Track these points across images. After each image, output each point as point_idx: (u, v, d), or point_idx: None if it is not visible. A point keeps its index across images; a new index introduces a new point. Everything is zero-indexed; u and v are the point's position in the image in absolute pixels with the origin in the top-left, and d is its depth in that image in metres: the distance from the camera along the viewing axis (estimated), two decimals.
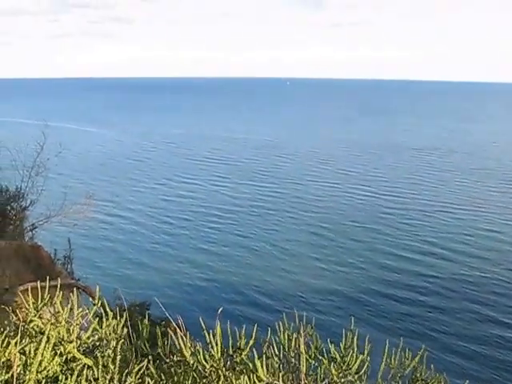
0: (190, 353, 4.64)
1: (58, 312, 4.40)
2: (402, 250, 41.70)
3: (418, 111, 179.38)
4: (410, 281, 35.77)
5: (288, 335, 4.88)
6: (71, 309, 4.62)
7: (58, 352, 4.11)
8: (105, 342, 4.52)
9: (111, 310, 4.86)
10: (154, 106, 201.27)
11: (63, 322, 4.32)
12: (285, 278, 36.29)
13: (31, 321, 4.38)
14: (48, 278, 12.86)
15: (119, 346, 4.27)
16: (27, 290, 11.31)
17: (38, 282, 12.06)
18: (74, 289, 12.94)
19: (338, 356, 4.81)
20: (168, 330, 5.56)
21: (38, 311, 4.44)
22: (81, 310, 4.70)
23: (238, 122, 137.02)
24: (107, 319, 4.57)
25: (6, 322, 4.68)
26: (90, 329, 4.48)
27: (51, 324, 4.25)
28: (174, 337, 4.81)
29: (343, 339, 4.88)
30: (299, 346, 4.74)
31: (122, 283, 32.79)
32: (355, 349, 4.83)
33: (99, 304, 4.80)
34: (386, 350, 5.10)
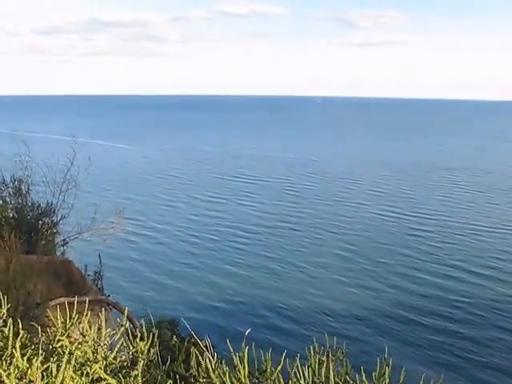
0: (216, 375, 4.58)
1: (86, 331, 4.37)
2: (432, 273, 40.69)
3: (450, 130, 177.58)
4: (442, 307, 34.72)
5: (318, 359, 4.77)
6: (99, 328, 4.59)
7: (85, 372, 4.08)
8: (132, 362, 4.47)
9: (136, 332, 4.83)
10: (186, 123, 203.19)
11: (90, 342, 4.29)
12: (312, 300, 35.84)
13: (58, 340, 4.36)
14: (79, 293, 12.93)
15: (145, 367, 4.23)
16: (58, 305, 11.39)
17: (70, 298, 12.13)
18: (104, 306, 12.97)
19: None
20: (195, 349, 5.52)
21: (66, 330, 4.42)
22: (109, 329, 4.66)
23: (267, 140, 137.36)
24: (135, 339, 4.53)
25: (35, 339, 4.67)
26: (116, 349, 4.44)
27: (78, 343, 4.22)
28: (200, 357, 4.76)
29: (377, 367, 4.72)
30: (329, 372, 4.63)
31: (149, 300, 32.92)
32: (387, 380, 4.66)
33: (127, 324, 4.76)
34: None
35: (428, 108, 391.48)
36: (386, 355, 4.78)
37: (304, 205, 63.82)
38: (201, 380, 4.80)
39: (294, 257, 44.44)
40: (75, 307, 5.13)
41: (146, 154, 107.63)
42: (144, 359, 4.42)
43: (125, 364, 4.37)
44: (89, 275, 13.96)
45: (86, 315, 4.78)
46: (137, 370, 4.33)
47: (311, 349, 4.84)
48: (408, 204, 64.05)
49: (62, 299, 11.33)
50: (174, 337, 13.12)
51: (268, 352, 4.72)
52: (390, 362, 4.77)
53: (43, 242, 13.49)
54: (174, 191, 71.15)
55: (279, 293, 36.96)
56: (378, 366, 4.76)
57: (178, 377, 4.80)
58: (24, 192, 13.68)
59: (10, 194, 13.74)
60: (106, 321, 12.11)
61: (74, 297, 11.88)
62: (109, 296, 13.79)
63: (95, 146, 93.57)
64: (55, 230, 14.18)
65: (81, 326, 4.66)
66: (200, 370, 4.92)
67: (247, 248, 46.44)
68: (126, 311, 5.25)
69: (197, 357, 4.88)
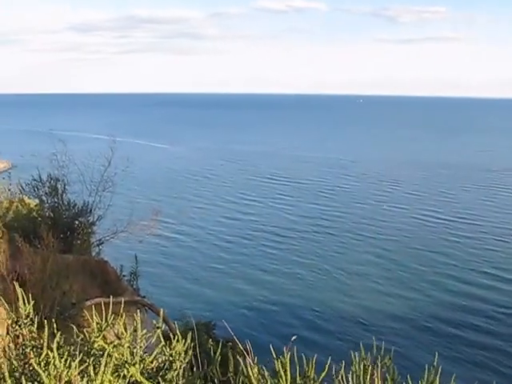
0: (256, 378, 4.53)
1: (122, 333, 4.37)
2: (474, 283, 39.51)
3: (496, 129, 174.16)
4: (484, 319, 33.67)
5: (364, 366, 4.68)
6: (135, 330, 4.58)
7: (121, 374, 4.08)
8: (169, 365, 4.46)
9: (174, 334, 4.80)
10: (223, 122, 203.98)
11: (126, 344, 4.29)
12: (347, 309, 35.38)
13: (94, 341, 4.37)
14: (114, 294, 13.03)
15: (182, 370, 4.20)
16: (94, 305, 11.50)
17: (105, 298, 12.25)
18: (139, 307, 13.05)
19: None
20: (233, 352, 5.47)
21: (101, 331, 4.42)
22: (145, 331, 4.65)
23: (306, 140, 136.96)
24: (171, 342, 4.51)
25: (72, 340, 4.69)
26: (155, 351, 4.43)
27: (114, 346, 4.22)
28: (241, 361, 4.71)
29: (425, 375, 4.60)
30: (375, 378, 4.53)
31: (185, 302, 33.15)
32: None
33: (163, 327, 4.74)
34: None
35: (473, 107, 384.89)
36: (435, 362, 4.66)
37: (340, 208, 63.34)
38: None
39: (329, 262, 44.05)
40: (111, 308, 5.14)
41: (181, 154, 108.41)
42: (181, 362, 4.40)
43: (161, 367, 4.35)
44: (124, 276, 14.08)
45: (122, 316, 4.78)
46: (173, 373, 4.31)
47: (356, 355, 4.75)
48: (450, 208, 62.84)
49: (97, 299, 11.45)
50: (210, 340, 13.14)
51: (310, 356, 4.64)
52: (440, 370, 4.64)
53: (79, 241, 13.66)
54: (208, 192, 71.48)
55: (313, 300, 36.66)
56: (426, 374, 4.64)
57: (215, 381, 4.76)
58: (60, 191, 13.87)
59: (46, 193, 13.95)
60: (141, 322, 12.16)
61: (109, 297, 12.00)
62: (144, 297, 13.87)
63: (130, 145, 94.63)
64: (91, 230, 14.35)
65: (116, 327, 4.66)
66: (239, 374, 4.88)
67: (280, 253, 46.28)
68: (161, 312, 5.24)
69: (235, 360, 4.84)
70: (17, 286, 5.12)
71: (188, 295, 36.41)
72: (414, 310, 34.96)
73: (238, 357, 4.88)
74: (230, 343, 13.59)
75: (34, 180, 14.04)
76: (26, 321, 4.63)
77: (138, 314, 5.22)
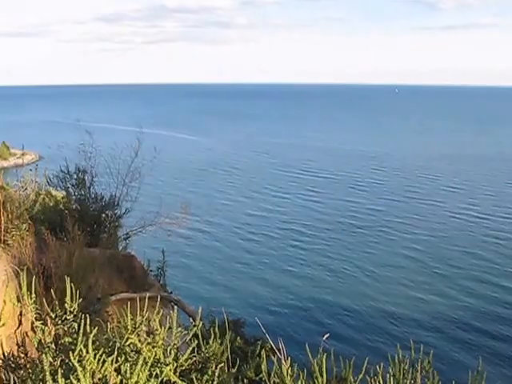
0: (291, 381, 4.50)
1: (156, 330, 4.39)
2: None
3: None
4: None
5: (403, 368, 4.62)
6: (170, 327, 4.60)
7: (154, 373, 4.09)
8: (204, 365, 4.46)
9: (203, 331, 4.81)
10: (252, 113, 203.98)
11: (160, 342, 4.30)
12: (378, 306, 35.27)
13: (128, 338, 4.39)
14: (140, 289, 13.10)
15: (215, 370, 4.20)
16: (119, 300, 11.60)
17: (131, 293, 12.33)
18: (166, 303, 13.12)
19: None
20: (266, 351, 5.46)
21: (135, 329, 4.45)
22: (180, 329, 4.66)
23: (337, 132, 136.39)
24: (201, 340, 4.51)
25: (104, 337, 4.72)
26: (188, 351, 4.43)
27: (148, 344, 4.24)
28: (274, 360, 4.69)
29: (469, 380, 4.53)
30: (415, 382, 4.47)
31: (212, 298, 33.30)
32: None
33: (200, 325, 4.75)
34: None
35: None
36: (479, 367, 4.59)
37: (373, 202, 62.99)
38: None
39: (359, 260, 43.89)
40: (142, 307, 5.17)
41: (209, 146, 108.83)
42: (216, 362, 4.40)
43: (193, 367, 4.35)
44: (151, 271, 14.15)
45: (158, 313, 4.80)
46: (209, 373, 4.31)
47: (395, 358, 4.70)
48: (490, 205, 61.82)
49: (123, 294, 11.55)
50: (238, 338, 13.15)
51: (349, 360, 4.60)
52: (484, 375, 4.57)
53: (105, 235, 13.75)
54: (237, 186, 71.63)
55: (343, 298, 36.56)
56: (470, 379, 4.57)
57: (246, 381, 4.76)
58: (88, 183, 13.99)
59: (73, 185, 14.07)
60: (167, 318, 12.23)
61: (135, 292, 12.09)
62: (171, 293, 13.93)
63: (158, 137, 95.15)
64: (118, 224, 14.42)
65: (150, 324, 4.67)
66: (273, 374, 4.85)
67: (309, 249, 46.21)
68: (199, 311, 5.24)
69: (269, 360, 4.81)
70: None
71: (215, 291, 36.58)
72: (447, 314, 34.53)
73: (271, 355, 4.86)
74: (259, 341, 13.59)
75: (62, 171, 14.17)
76: (69, 317, 4.70)
77: (175, 310, 5.24)
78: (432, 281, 39.50)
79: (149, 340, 4.36)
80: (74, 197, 14.10)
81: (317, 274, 40.71)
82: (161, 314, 5.21)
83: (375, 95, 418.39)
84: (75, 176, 13.99)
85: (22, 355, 5.19)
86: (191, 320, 12.53)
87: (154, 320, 4.70)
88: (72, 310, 5.62)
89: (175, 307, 14.26)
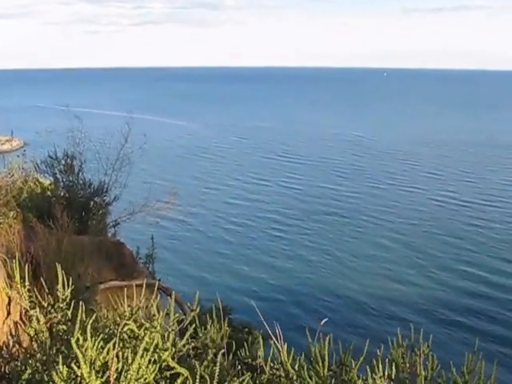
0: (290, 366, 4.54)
1: (154, 315, 4.41)
2: (494, 271, 39.18)
3: None
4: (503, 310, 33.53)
5: (402, 353, 4.69)
6: (167, 313, 4.62)
7: (152, 359, 4.11)
8: (201, 350, 4.50)
9: (201, 318, 4.84)
10: (240, 96, 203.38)
11: (158, 327, 4.33)
12: (360, 288, 35.30)
13: (125, 324, 4.41)
14: (130, 277, 13.10)
15: (213, 356, 4.24)
16: (109, 288, 11.58)
17: (120, 281, 12.32)
18: (154, 290, 13.12)
19: (459, 381, 4.56)
20: (263, 336, 5.49)
21: (132, 315, 4.47)
22: (177, 315, 4.70)
23: (323, 116, 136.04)
24: (203, 326, 4.56)
25: (101, 323, 4.73)
26: (186, 336, 4.46)
27: (145, 329, 4.26)
28: (274, 346, 4.73)
29: (465, 362, 4.61)
30: (414, 366, 4.54)
31: (200, 285, 33.29)
32: (482, 375, 4.53)
33: (198, 309, 4.78)
34: None
35: (509, 81, 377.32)
36: (475, 348, 4.65)
37: (357, 188, 63.12)
38: (276, 372, 4.76)
39: (341, 244, 44.09)
40: (138, 293, 5.18)
41: (195, 131, 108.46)
42: (216, 347, 4.43)
43: (191, 352, 4.39)
44: (140, 258, 14.16)
45: (155, 299, 4.82)
46: (207, 359, 4.34)
47: (394, 341, 4.76)
48: (473, 190, 61.96)
49: (112, 283, 11.56)
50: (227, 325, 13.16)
51: (348, 346, 4.65)
52: (480, 357, 4.64)
53: (94, 222, 13.71)
54: (221, 172, 71.53)
55: (325, 285, 36.53)
56: (466, 361, 4.64)
57: (244, 366, 4.79)
58: (76, 170, 13.91)
59: (61, 172, 13.98)
60: (156, 306, 12.21)
61: (124, 280, 12.08)
62: (160, 280, 13.94)
63: (143, 122, 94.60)
64: (107, 211, 14.39)
65: (147, 310, 4.69)
66: (271, 360, 4.89)
67: (293, 235, 46.28)
68: (197, 297, 5.27)
69: (264, 345, 4.85)
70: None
71: (203, 278, 36.53)
72: (426, 298, 34.63)
73: (270, 341, 4.90)
74: (247, 329, 13.67)
75: (50, 157, 14.07)
76: (62, 305, 4.70)
77: (173, 296, 5.27)
78: (414, 266, 39.62)
79: (147, 325, 4.39)
80: (62, 183, 14.03)
81: (299, 260, 40.72)
82: (158, 300, 5.24)
83: (364, 79, 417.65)
84: (63, 162, 13.90)
85: (17, 346, 5.17)
86: (177, 306, 12.57)
87: (152, 305, 4.72)
88: (64, 297, 5.61)
89: (163, 294, 14.25)
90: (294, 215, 51.64)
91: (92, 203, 13.74)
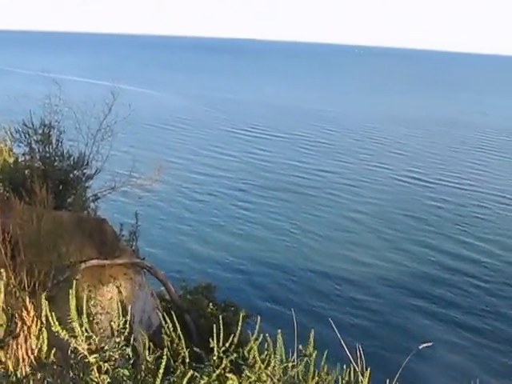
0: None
1: (112, 298, 3.89)
2: (456, 247, 39.30)
3: (503, 89, 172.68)
4: (464, 285, 33.58)
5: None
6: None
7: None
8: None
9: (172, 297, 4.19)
10: (213, 68, 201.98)
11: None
12: (317, 270, 34.76)
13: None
14: (112, 255, 12.18)
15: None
16: (90, 268, 10.72)
17: (102, 260, 11.41)
18: (138, 269, 12.31)
19: None
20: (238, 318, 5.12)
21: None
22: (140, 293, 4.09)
23: (293, 90, 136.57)
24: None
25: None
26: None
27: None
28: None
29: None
30: None
31: (184, 262, 32.59)
32: None
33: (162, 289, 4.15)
34: None
35: (484, 64, 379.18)
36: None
37: (322, 162, 63.08)
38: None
39: (306, 220, 43.54)
40: (107, 270, 4.68)
41: (164, 100, 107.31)
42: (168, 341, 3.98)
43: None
44: (123, 235, 13.37)
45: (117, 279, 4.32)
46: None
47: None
48: (436, 170, 61.98)
49: (94, 261, 10.71)
50: (211, 304, 12.56)
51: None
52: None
53: (73, 196, 12.82)
54: (188, 144, 70.06)
55: (288, 258, 36.02)
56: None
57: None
58: (55, 140, 12.93)
59: (37, 142, 12.98)
60: (139, 285, 11.38)
61: (106, 259, 11.28)
62: (144, 259, 13.20)
63: (113, 90, 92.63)
64: (87, 185, 13.49)
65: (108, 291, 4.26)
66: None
67: (255, 212, 45.33)
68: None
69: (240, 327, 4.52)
70: None
71: (187, 255, 35.67)
72: (386, 278, 34.30)
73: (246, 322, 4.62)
74: (233, 307, 13.03)
75: (25, 125, 13.03)
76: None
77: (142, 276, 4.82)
78: (378, 243, 39.41)
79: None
80: (37, 154, 13.04)
81: (262, 234, 40.16)
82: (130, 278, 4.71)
83: (334, 55, 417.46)
84: (40, 131, 12.89)
85: None
86: (163, 286, 11.89)
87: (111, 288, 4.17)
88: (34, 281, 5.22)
89: (147, 273, 13.43)
90: (258, 191, 50.83)
91: (71, 176, 12.83)
